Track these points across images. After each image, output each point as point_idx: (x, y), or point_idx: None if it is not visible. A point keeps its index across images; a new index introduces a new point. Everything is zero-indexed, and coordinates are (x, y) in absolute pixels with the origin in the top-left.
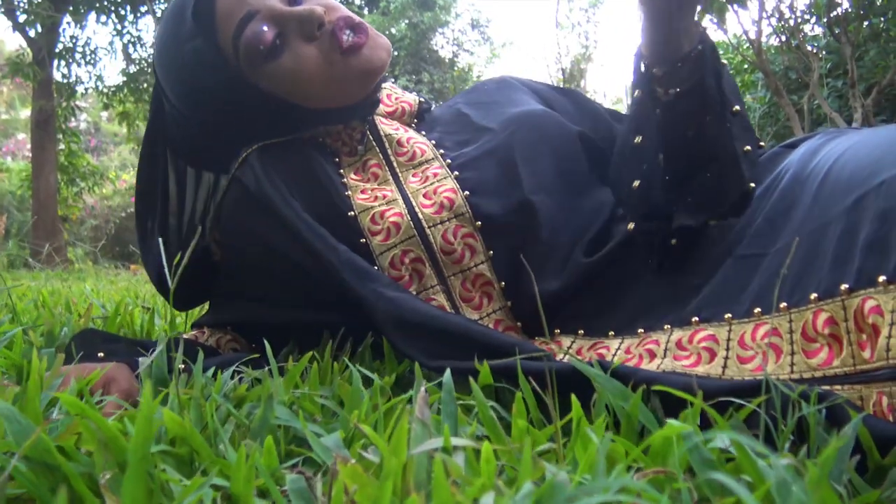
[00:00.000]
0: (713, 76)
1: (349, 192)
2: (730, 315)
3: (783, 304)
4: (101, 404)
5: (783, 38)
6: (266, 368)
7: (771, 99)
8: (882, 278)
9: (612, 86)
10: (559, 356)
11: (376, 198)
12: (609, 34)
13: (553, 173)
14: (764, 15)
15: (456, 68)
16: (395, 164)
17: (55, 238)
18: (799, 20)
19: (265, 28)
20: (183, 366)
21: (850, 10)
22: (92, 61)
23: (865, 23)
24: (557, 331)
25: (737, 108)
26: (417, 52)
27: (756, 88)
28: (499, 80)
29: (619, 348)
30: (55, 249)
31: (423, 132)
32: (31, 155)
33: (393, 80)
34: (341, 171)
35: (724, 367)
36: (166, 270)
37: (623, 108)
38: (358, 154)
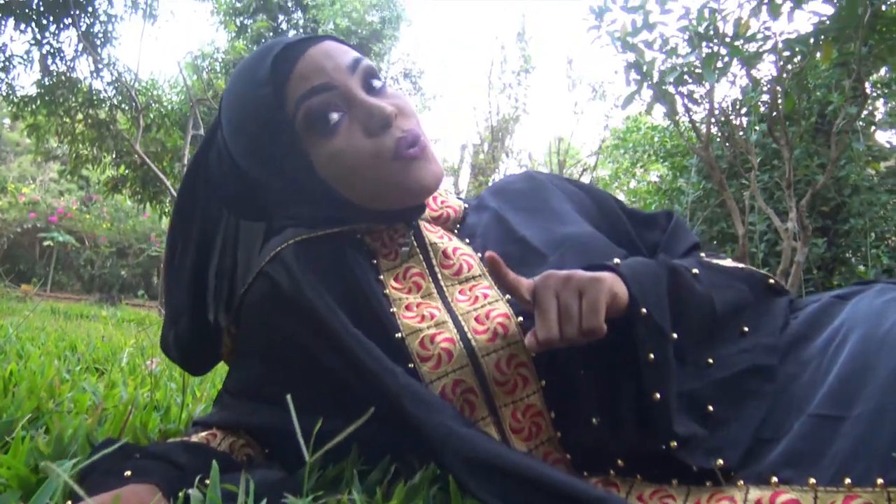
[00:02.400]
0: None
1: (394, 310)
2: (814, 481)
3: (879, 481)
4: None
5: (723, 126)
6: None
7: (704, 185)
8: None
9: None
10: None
11: (423, 317)
12: (537, 99)
13: None
14: (713, 108)
15: None
16: (440, 276)
17: None
18: (736, 113)
19: (333, 104)
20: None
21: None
22: (5, 69)
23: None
24: (612, 472)
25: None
26: None
27: (689, 173)
28: (527, 179)
29: (686, 501)
30: None
31: (467, 239)
32: None
33: None
34: (381, 276)
35: None
36: (175, 335)
37: (546, 168)
38: (400, 258)
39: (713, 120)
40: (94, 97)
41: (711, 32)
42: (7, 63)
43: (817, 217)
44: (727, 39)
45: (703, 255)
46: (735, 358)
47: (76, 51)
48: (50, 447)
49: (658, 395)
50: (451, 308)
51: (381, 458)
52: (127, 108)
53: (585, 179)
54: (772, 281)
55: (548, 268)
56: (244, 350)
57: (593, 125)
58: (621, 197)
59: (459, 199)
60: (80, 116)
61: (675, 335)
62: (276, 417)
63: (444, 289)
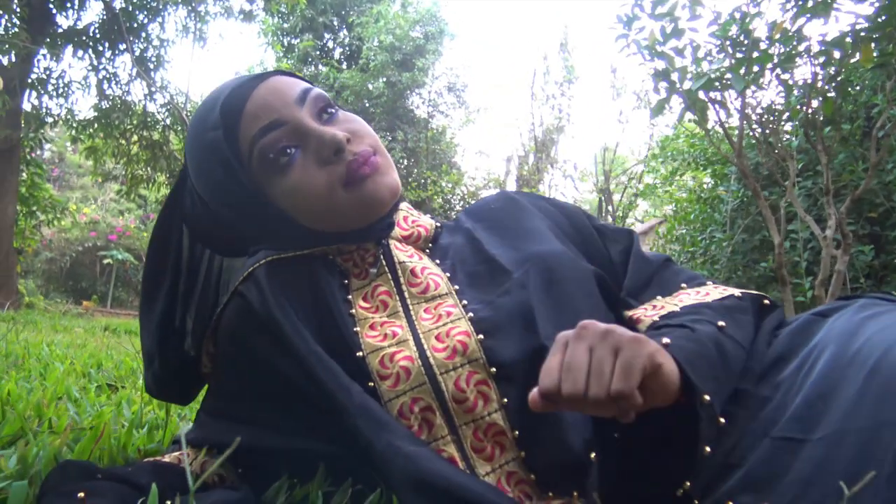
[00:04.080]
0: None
1: (358, 329)
2: None
3: None
4: None
5: (759, 133)
6: None
7: (743, 193)
8: None
9: (581, 158)
10: None
11: (386, 336)
12: (581, 109)
13: (570, 318)
14: (746, 113)
15: (430, 129)
16: (406, 295)
17: (8, 270)
18: (776, 120)
19: (284, 140)
20: None
21: (820, 116)
22: (65, 94)
23: (827, 129)
24: (576, 493)
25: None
26: (393, 110)
27: (729, 182)
28: (503, 199)
29: None
30: (7, 281)
31: (437, 260)
32: None
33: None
34: (349, 296)
35: None
36: (152, 376)
37: (590, 183)
38: (369, 278)
39: (753, 125)
40: (148, 119)
41: (742, 38)
42: (66, 89)
43: (864, 223)
44: (760, 44)
45: (696, 287)
46: None
47: (130, 75)
48: (14, 469)
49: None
50: (415, 326)
51: (347, 478)
52: (179, 128)
53: (631, 189)
54: (766, 301)
55: (512, 284)
56: (220, 369)
57: (639, 134)
58: (667, 207)
59: (433, 219)
60: (134, 138)
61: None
62: (248, 437)
63: (410, 307)
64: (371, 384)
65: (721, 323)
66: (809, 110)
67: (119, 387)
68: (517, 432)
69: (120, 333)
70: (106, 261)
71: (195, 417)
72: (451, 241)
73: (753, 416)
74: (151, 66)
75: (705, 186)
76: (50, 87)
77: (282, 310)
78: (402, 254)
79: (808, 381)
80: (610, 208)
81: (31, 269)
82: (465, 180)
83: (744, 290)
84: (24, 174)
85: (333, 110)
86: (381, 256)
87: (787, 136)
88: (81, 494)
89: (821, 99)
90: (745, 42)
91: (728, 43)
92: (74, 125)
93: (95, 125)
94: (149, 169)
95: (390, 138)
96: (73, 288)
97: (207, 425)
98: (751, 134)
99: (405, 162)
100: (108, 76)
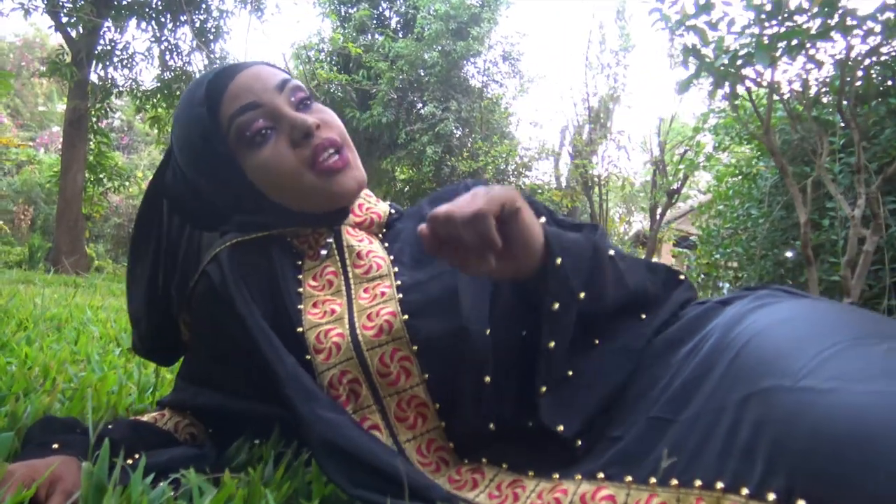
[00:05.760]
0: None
1: (302, 306)
2: (630, 479)
3: (674, 482)
4: None
5: (794, 108)
6: (199, 482)
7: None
8: (745, 491)
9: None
10: (480, 488)
11: (325, 313)
12: (637, 78)
13: (496, 305)
14: (778, 88)
15: (485, 98)
16: (350, 276)
17: (77, 235)
18: (819, 91)
19: (261, 121)
20: (131, 460)
21: (860, 91)
22: (129, 65)
23: (869, 104)
24: (485, 460)
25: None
26: (447, 79)
27: (768, 157)
28: (464, 189)
29: (533, 490)
30: (76, 246)
31: (387, 243)
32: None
33: (421, 104)
34: (300, 276)
35: None
36: (138, 336)
37: (647, 153)
38: (320, 259)
39: (788, 99)
40: None
41: (773, 9)
42: (130, 60)
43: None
44: (795, 17)
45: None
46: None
47: (191, 46)
48: (4, 422)
49: (552, 345)
50: (352, 305)
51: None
52: None
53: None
54: (682, 277)
55: (445, 269)
56: (193, 338)
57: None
58: (709, 176)
59: (390, 206)
60: None
61: (582, 294)
62: (214, 400)
63: (352, 287)
64: (308, 357)
65: (611, 252)
66: (835, 85)
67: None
68: (438, 405)
69: None
70: None
71: (174, 382)
72: (405, 227)
73: (644, 394)
74: (210, 37)
75: (750, 160)
76: (115, 59)
77: (237, 288)
78: (353, 238)
79: (690, 365)
80: (663, 181)
81: (101, 234)
82: (518, 150)
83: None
84: (91, 143)
85: (308, 101)
86: (333, 240)
87: (827, 112)
88: (56, 445)
89: (858, 75)
90: (777, 13)
91: (763, 16)
92: (139, 95)
93: (158, 95)
94: None
95: (444, 108)
96: None
97: (181, 389)
98: (785, 110)
99: (458, 132)
100: (169, 47)
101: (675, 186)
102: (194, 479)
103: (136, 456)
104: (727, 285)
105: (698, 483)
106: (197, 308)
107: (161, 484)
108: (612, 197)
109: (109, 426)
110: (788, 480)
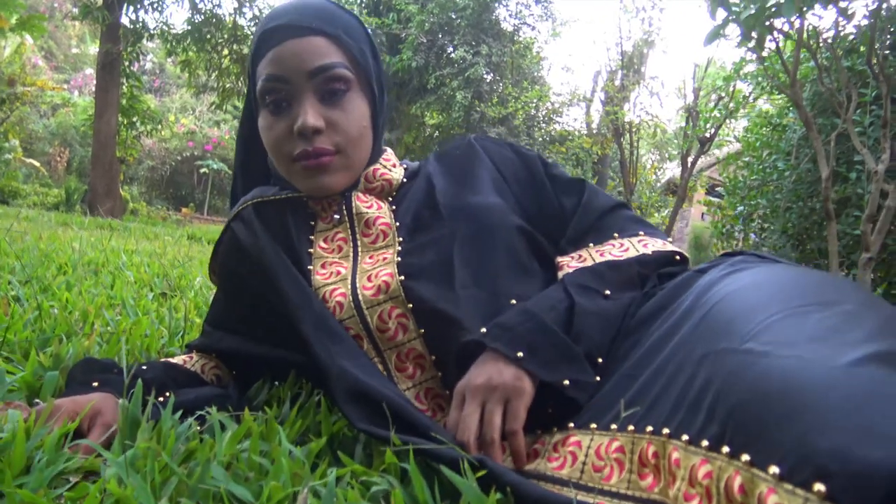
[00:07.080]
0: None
1: (311, 266)
2: (595, 425)
3: (630, 428)
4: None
5: (823, 58)
6: (222, 418)
7: (815, 119)
8: (685, 437)
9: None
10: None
11: (331, 274)
12: (673, 22)
13: (488, 268)
14: (809, 38)
15: (516, 42)
16: (359, 243)
17: (112, 178)
18: (853, 42)
19: (278, 94)
20: (162, 398)
21: (889, 42)
22: (160, 8)
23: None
24: None
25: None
26: (478, 23)
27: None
28: (465, 146)
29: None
30: (111, 188)
31: (395, 206)
32: (94, 95)
33: (452, 48)
34: (312, 237)
35: (582, 472)
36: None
37: (681, 100)
38: (332, 223)
39: (819, 50)
40: (238, 33)
41: None
42: (161, 3)
43: None
44: None
45: (625, 238)
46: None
47: None
48: (50, 362)
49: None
50: (356, 268)
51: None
52: None
53: (722, 108)
54: (678, 257)
55: (442, 234)
56: (218, 286)
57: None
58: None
59: (405, 166)
60: (225, 52)
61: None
62: (237, 345)
63: (359, 253)
64: None
65: (607, 292)
66: (867, 36)
67: (171, 295)
68: (434, 357)
69: (204, 243)
70: (202, 170)
71: (201, 327)
72: (412, 186)
73: (624, 358)
74: None
75: (781, 110)
76: (146, 2)
77: (266, 242)
78: (363, 205)
79: (663, 326)
80: (695, 127)
81: (135, 177)
82: (549, 96)
83: (665, 251)
84: (124, 87)
85: (339, 95)
86: (343, 206)
87: (861, 62)
88: (96, 384)
89: (890, 29)
90: None
91: None
92: (169, 39)
93: (188, 39)
94: (239, 82)
95: (474, 52)
96: (174, 195)
97: (207, 334)
98: (814, 61)
99: (488, 77)
100: None
101: (708, 134)
102: (217, 416)
103: (167, 394)
104: (753, 236)
105: (649, 429)
106: (221, 261)
107: (188, 419)
108: (643, 144)
109: (143, 367)
110: (720, 429)
